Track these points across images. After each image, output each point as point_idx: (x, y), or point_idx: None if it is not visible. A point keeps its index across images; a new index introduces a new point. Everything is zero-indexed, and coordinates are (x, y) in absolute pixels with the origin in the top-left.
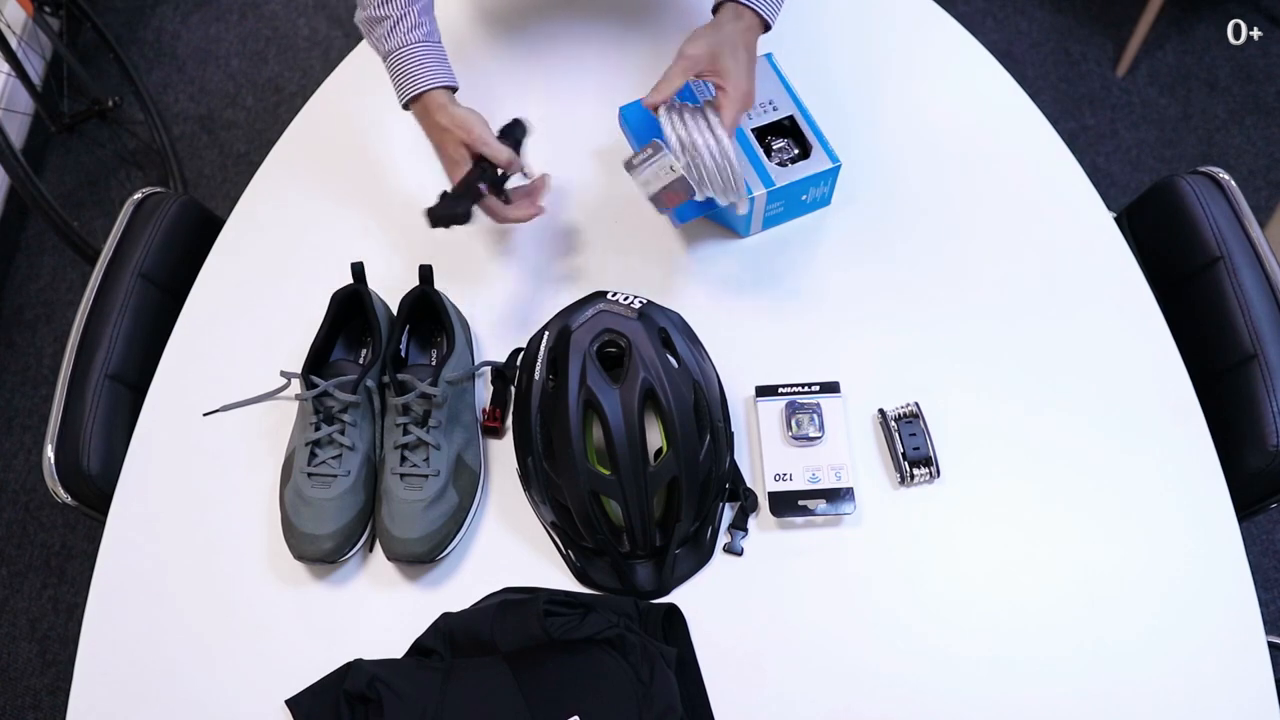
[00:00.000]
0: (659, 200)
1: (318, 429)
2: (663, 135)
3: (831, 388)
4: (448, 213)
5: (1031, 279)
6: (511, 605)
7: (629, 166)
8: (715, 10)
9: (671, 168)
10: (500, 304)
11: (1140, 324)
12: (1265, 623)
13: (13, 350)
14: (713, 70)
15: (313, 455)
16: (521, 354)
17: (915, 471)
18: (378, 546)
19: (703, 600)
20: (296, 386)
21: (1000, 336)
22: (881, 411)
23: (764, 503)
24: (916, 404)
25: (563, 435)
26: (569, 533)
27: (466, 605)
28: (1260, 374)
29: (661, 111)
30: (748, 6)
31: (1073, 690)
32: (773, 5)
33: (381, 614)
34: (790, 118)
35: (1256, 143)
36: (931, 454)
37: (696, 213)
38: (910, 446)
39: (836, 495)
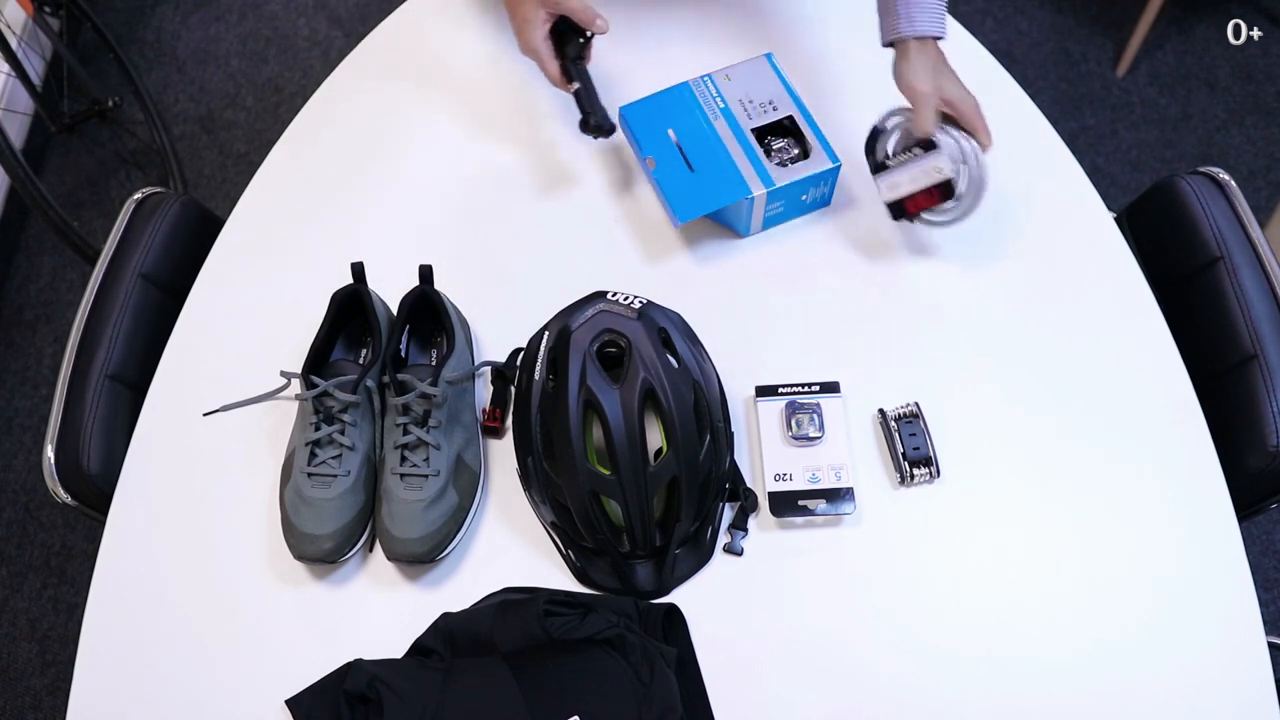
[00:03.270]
0: (901, 207)
1: (318, 429)
2: (931, 144)
3: (831, 388)
4: (597, 117)
5: (1031, 279)
6: (511, 605)
7: (878, 167)
8: (891, 44)
9: (939, 169)
10: (500, 304)
11: (1140, 324)
12: (1265, 623)
13: (13, 350)
14: (945, 101)
15: (313, 455)
16: (521, 354)
17: (915, 471)
18: (378, 546)
19: (703, 600)
20: (296, 386)
21: (1000, 336)
22: (881, 411)
23: (764, 503)
24: (916, 404)
25: (563, 435)
26: (569, 533)
27: (466, 605)
28: (1260, 374)
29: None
30: (929, 37)
31: (1072, 690)
32: (938, 18)
33: (381, 614)
34: (790, 118)
35: (1256, 143)
36: (932, 454)
37: (697, 212)
38: (910, 446)
39: (836, 495)
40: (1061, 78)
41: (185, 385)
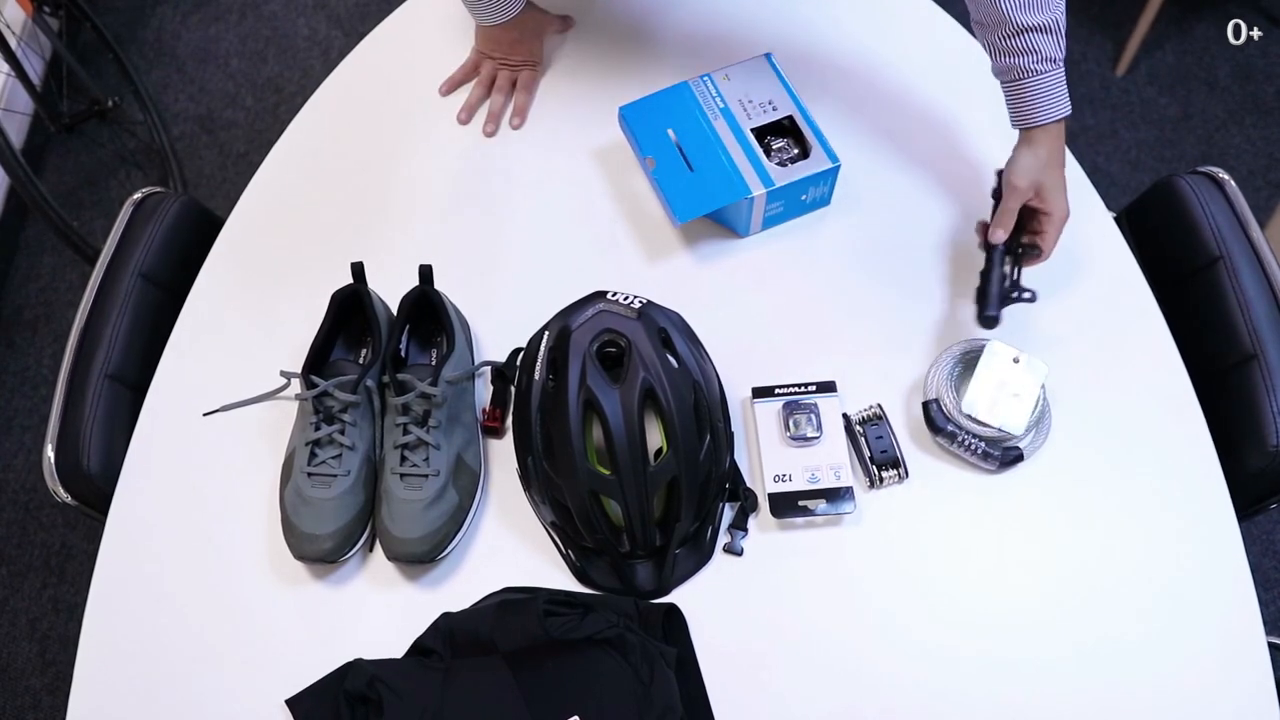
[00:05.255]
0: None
1: (318, 429)
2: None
3: (828, 387)
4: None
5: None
6: (511, 605)
7: (945, 425)
8: (1017, 125)
9: (1014, 358)
10: (500, 304)
11: (1140, 324)
12: (1265, 623)
13: (13, 350)
14: (1038, 197)
15: (313, 455)
16: (521, 354)
17: (884, 474)
18: (378, 546)
19: (703, 600)
20: (296, 386)
21: (1000, 337)
22: (845, 416)
23: (764, 504)
24: (880, 405)
25: (563, 435)
26: (569, 533)
27: (466, 605)
28: (1260, 374)
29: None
30: (1059, 121)
31: (1072, 690)
32: (1063, 97)
33: (381, 614)
34: (790, 118)
35: (1256, 143)
36: (899, 455)
37: (697, 212)
38: (878, 449)
39: (836, 495)
40: None
41: (185, 385)
